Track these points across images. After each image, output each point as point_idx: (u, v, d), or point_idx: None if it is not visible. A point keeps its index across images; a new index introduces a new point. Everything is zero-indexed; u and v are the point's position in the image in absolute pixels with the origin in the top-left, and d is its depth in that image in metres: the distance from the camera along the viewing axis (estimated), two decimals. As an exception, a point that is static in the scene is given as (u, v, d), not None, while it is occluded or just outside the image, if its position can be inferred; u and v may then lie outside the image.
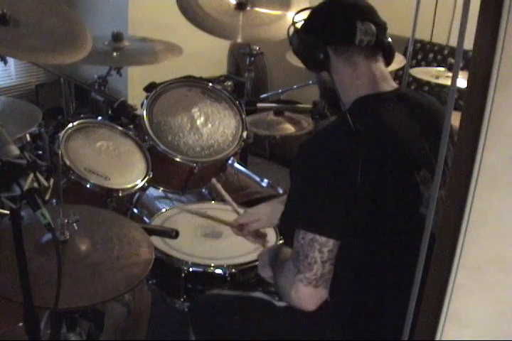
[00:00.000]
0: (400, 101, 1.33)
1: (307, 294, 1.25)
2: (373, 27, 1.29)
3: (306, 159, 1.29)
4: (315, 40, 1.33)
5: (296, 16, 1.43)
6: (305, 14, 1.42)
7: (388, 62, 1.39)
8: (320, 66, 1.35)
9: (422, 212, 1.25)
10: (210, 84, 2.21)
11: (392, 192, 1.24)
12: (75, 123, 1.93)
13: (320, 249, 1.22)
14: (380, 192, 1.23)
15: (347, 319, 1.34)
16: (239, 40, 2.43)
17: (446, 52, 3.75)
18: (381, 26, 1.33)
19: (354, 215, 1.22)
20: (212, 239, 1.80)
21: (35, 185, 1.04)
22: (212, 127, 2.13)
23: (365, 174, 1.20)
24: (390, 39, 1.37)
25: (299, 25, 1.40)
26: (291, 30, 1.41)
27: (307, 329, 1.40)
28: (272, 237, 1.80)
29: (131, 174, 1.94)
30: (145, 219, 2.09)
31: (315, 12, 1.39)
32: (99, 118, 2.17)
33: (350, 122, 1.26)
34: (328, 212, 1.23)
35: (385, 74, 1.36)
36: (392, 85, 1.37)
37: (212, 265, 1.66)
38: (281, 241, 1.77)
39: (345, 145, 1.24)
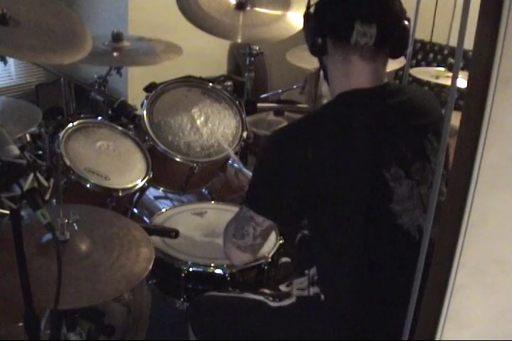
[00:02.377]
0: (381, 97, 1.32)
1: (234, 255, 1.42)
2: (374, 28, 1.24)
3: (269, 145, 1.38)
4: (316, 26, 1.33)
5: None
6: None
7: (396, 55, 1.35)
8: (317, 51, 1.36)
9: (394, 208, 1.27)
10: (210, 84, 2.21)
11: (355, 188, 1.27)
12: (75, 123, 1.93)
13: (254, 227, 1.34)
14: (341, 188, 1.26)
15: (342, 319, 1.34)
16: (239, 40, 2.43)
17: (446, 52, 3.75)
18: (389, 24, 1.28)
19: (311, 206, 1.31)
20: (212, 239, 1.80)
21: (35, 185, 1.04)
22: (213, 127, 2.13)
23: (323, 169, 1.25)
24: (405, 24, 1.30)
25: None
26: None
27: (301, 329, 1.40)
28: (272, 237, 1.80)
29: (131, 174, 1.93)
30: (145, 219, 2.10)
31: (322, 1, 1.35)
32: (99, 118, 2.17)
33: (318, 117, 1.34)
34: (272, 196, 1.33)
35: (379, 75, 1.33)
36: (382, 82, 1.35)
37: (212, 265, 1.66)
38: (281, 241, 1.77)
39: (306, 139, 1.28)
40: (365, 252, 1.29)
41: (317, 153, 1.25)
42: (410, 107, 1.36)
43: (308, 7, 1.37)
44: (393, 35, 1.29)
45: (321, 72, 1.45)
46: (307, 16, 1.36)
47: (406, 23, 1.31)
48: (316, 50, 1.36)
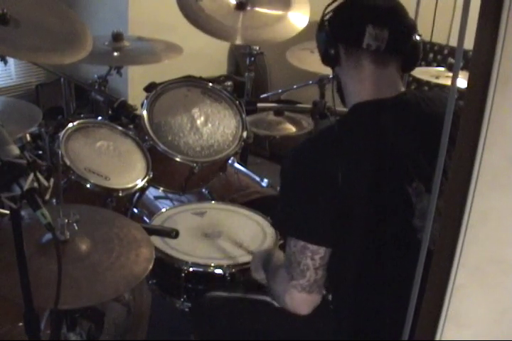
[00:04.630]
0: (400, 109, 1.30)
1: (301, 300, 1.27)
2: (386, 32, 1.23)
3: (292, 167, 1.29)
4: (328, 35, 1.32)
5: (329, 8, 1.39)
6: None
7: (408, 68, 1.35)
8: (330, 61, 1.34)
9: (415, 223, 1.24)
10: (210, 84, 2.21)
11: (380, 203, 1.24)
12: (75, 123, 1.93)
13: (312, 257, 1.24)
14: (367, 203, 1.22)
15: (346, 319, 1.34)
16: (238, 42, 2.42)
17: (446, 52, 3.76)
18: (401, 31, 1.28)
19: (343, 224, 1.23)
20: (212, 239, 1.80)
21: (35, 184, 1.04)
22: (213, 127, 2.13)
23: (350, 184, 1.20)
24: (417, 39, 1.31)
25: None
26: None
27: (306, 330, 1.40)
28: (272, 237, 1.80)
29: (131, 174, 1.93)
30: (145, 219, 2.09)
31: (337, 7, 1.35)
32: (99, 118, 2.17)
33: (339, 132, 1.27)
34: (317, 220, 1.24)
35: (392, 81, 1.32)
36: (398, 91, 1.32)
37: (212, 265, 1.66)
38: (281, 242, 1.77)
39: (331, 155, 1.23)
40: (381, 263, 1.27)
41: (345, 167, 1.20)
42: (430, 118, 1.31)
43: (322, 18, 1.35)
44: (405, 42, 1.29)
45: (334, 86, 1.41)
46: (319, 27, 1.35)
47: (418, 37, 1.31)
48: (329, 61, 1.34)
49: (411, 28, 1.31)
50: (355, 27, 1.27)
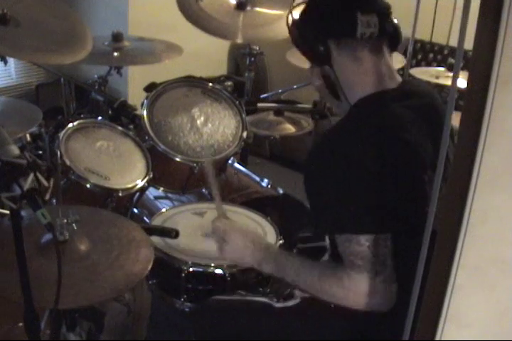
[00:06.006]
0: (405, 100, 1.29)
1: (393, 293, 1.18)
2: (375, 17, 1.21)
3: (320, 166, 1.23)
4: (315, 32, 1.27)
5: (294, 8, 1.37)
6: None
7: (393, 47, 1.32)
8: (321, 60, 1.28)
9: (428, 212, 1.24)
10: (210, 84, 2.21)
11: (403, 193, 1.21)
12: (75, 123, 1.93)
13: (385, 244, 1.16)
14: (392, 192, 1.20)
15: (346, 319, 1.34)
16: (239, 41, 2.43)
17: (446, 52, 3.75)
18: (384, 13, 1.26)
19: (384, 208, 1.18)
20: (212, 239, 1.80)
21: (35, 185, 1.04)
22: (213, 127, 2.13)
23: (379, 173, 1.17)
24: (395, 20, 1.29)
25: (296, 16, 1.33)
26: (290, 20, 1.34)
27: (306, 330, 1.40)
28: (272, 237, 1.80)
29: (131, 174, 1.93)
30: (145, 219, 2.09)
31: (315, 2, 1.32)
32: (99, 118, 2.17)
33: (360, 123, 1.23)
34: (366, 210, 1.18)
35: (390, 68, 1.31)
36: (397, 80, 1.32)
37: (212, 265, 1.66)
38: (281, 241, 1.76)
39: (358, 145, 1.19)
40: (401, 254, 1.21)
41: (371, 157, 1.17)
42: (429, 108, 1.32)
43: (290, 13, 1.32)
44: (390, 24, 1.27)
45: (324, 89, 1.35)
46: (297, 26, 1.31)
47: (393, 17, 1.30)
48: (319, 59, 1.29)
49: (388, 7, 1.29)
50: (345, 17, 1.23)
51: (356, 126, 1.25)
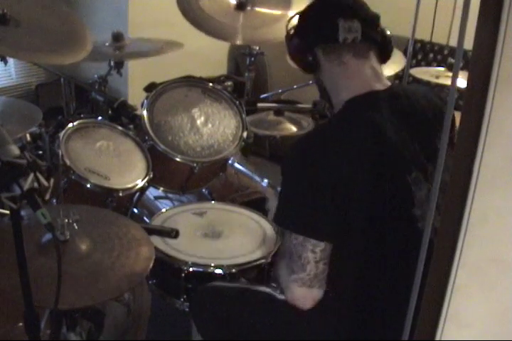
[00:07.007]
0: (392, 100, 1.32)
1: (301, 295, 1.29)
2: (357, 23, 1.28)
3: (293, 162, 1.29)
4: (302, 42, 1.35)
5: (292, 21, 1.46)
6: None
7: (384, 58, 1.38)
8: (311, 68, 1.37)
9: (415, 213, 1.25)
10: (210, 84, 2.21)
11: (384, 195, 1.25)
12: (75, 123, 1.93)
13: (312, 250, 1.24)
14: (371, 195, 1.23)
15: (347, 316, 1.34)
16: (238, 42, 2.42)
17: (446, 52, 3.76)
18: (370, 21, 1.32)
19: (345, 217, 1.23)
20: (212, 239, 1.80)
21: (35, 185, 1.04)
22: (213, 127, 2.13)
23: (355, 177, 1.21)
24: (388, 32, 1.36)
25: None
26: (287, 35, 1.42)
27: (308, 322, 1.39)
28: (272, 237, 1.80)
29: (131, 174, 1.93)
30: (145, 219, 2.09)
31: (301, 15, 1.40)
32: (99, 118, 2.17)
33: (338, 125, 1.29)
34: (318, 215, 1.24)
35: (377, 72, 1.35)
36: (384, 83, 1.36)
37: (212, 265, 1.66)
38: (280, 242, 1.76)
39: (331, 150, 1.24)
40: (382, 254, 1.27)
41: (346, 162, 1.21)
42: (417, 110, 1.36)
43: (287, 28, 1.40)
44: (376, 31, 1.33)
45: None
46: (290, 39, 1.39)
47: (384, 29, 1.36)
48: (309, 67, 1.37)
49: (376, 17, 1.35)
50: (327, 24, 1.30)
51: (336, 129, 1.30)
